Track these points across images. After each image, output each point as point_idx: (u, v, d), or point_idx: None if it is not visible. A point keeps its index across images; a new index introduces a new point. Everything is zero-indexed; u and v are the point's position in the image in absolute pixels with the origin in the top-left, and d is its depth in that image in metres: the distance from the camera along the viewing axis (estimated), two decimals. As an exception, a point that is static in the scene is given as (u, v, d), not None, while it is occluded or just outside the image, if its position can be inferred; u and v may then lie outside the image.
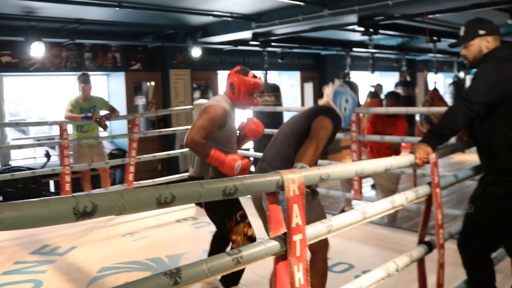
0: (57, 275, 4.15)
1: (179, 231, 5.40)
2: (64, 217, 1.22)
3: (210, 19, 6.95)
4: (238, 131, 3.66)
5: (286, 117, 8.39)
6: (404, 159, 2.49)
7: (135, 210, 1.37)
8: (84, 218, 1.27)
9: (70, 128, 6.15)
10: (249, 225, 3.27)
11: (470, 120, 2.65)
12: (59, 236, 5.14)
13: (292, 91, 12.03)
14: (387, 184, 5.69)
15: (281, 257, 1.77)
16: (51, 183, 7.86)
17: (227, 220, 3.25)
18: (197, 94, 9.49)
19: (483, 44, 2.81)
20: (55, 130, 7.94)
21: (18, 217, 1.14)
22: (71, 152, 6.07)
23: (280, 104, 8.02)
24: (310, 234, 1.84)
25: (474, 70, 2.87)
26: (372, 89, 7.74)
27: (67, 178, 5.70)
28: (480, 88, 2.63)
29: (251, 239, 3.25)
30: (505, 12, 6.29)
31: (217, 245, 3.62)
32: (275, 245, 1.73)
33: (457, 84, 11.12)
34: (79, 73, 6.46)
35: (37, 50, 6.58)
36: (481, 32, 2.80)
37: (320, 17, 6.02)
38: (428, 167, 2.65)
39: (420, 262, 2.70)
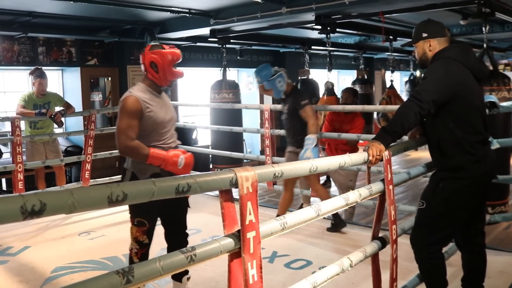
0: (9, 276, 4.03)
1: (136, 229, 5.34)
2: (11, 216, 1.19)
3: (168, 15, 6.87)
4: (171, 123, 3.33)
5: (245, 114, 8.40)
6: (357, 156, 2.53)
7: (86, 209, 1.35)
8: (33, 217, 1.23)
9: (23, 125, 5.98)
10: (145, 233, 3.15)
11: (421, 118, 2.72)
12: (11, 236, 5.01)
13: (251, 88, 12.05)
14: (344, 181, 5.77)
15: (235, 254, 1.78)
16: (3, 181, 7.64)
17: (131, 217, 3.18)
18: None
19: (426, 46, 2.93)
20: (7, 127, 7.70)
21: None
22: (24, 149, 5.91)
23: (238, 101, 8.02)
24: (264, 231, 1.85)
25: None
26: (330, 86, 7.82)
27: (20, 176, 5.55)
28: (430, 87, 2.71)
29: (140, 243, 3.16)
30: (457, 13, 6.47)
31: None
32: (229, 242, 1.73)
33: (413, 82, 11.36)
34: (32, 67, 6.28)
35: (-12, 43, 6.37)
36: (424, 35, 2.93)
37: (278, 15, 6.05)
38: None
39: (374, 258, 2.75)
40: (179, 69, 3.25)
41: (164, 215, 3.32)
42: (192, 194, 1.60)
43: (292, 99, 4.93)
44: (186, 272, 3.36)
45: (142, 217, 3.12)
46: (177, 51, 3.22)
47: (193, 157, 3.23)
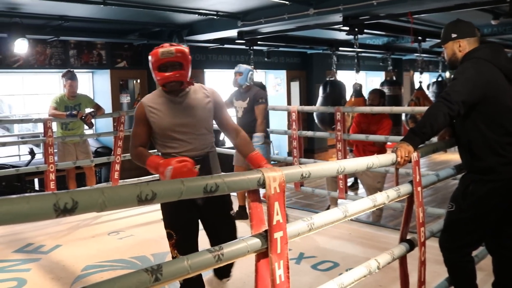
0: (41, 274, 4.12)
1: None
2: (44, 213, 1.22)
3: (196, 17, 6.94)
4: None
5: (272, 116, 8.42)
6: (385, 157, 2.51)
7: (116, 207, 1.38)
8: (65, 215, 1.26)
9: (54, 126, 6.11)
10: (174, 246, 2.90)
11: (450, 119, 2.68)
12: (43, 235, 5.11)
13: (279, 90, 12.05)
14: (372, 183, 5.74)
15: (262, 254, 1.78)
16: (36, 181, 7.81)
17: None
18: (183, 92, 9.48)
19: (455, 47, 2.88)
20: (40, 128, 7.88)
21: (-3, 213, 1.14)
22: (55, 150, 6.04)
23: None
24: (291, 231, 1.85)
25: None
26: (358, 88, 7.77)
27: (52, 176, 5.67)
28: (459, 88, 2.67)
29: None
30: (488, 13, 6.36)
31: None
32: (256, 242, 1.74)
33: (440, 83, 11.19)
34: (64, 70, 6.42)
35: (21, 46, 6.53)
36: (453, 35, 2.88)
37: (306, 16, 6.06)
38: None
39: (402, 260, 2.72)
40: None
41: (207, 230, 3.08)
42: (220, 193, 1.61)
43: (253, 93, 5.31)
44: (229, 275, 3.23)
45: (169, 228, 2.93)
46: (158, 50, 2.85)
47: (191, 166, 2.66)
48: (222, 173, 2.31)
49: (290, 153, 8.30)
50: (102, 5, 5.58)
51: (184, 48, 2.92)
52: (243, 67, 5.41)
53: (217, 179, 1.60)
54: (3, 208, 1.15)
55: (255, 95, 5.30)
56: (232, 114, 5.11)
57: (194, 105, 2.94)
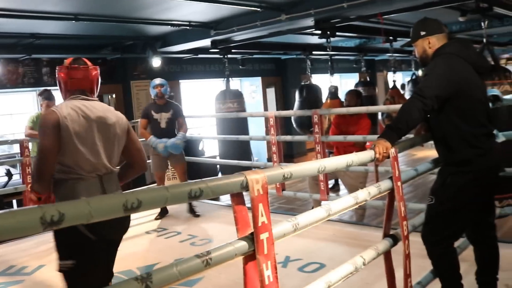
0: (26, 295, 4.07)
1: (149, 243, 5.37)
2: (31, 227, 1.22)
3: (168, 28, 6.95)
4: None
5: (250, 122, 8.45)
6: (364, 154, 2.55)
7: (103, 217, 1.38)
8: (52, 228, 1.26)
9: (31, 146, 6.04)
10: None
11: (425, 114, 2.75)
12: (25, 256, 5.03)
13: (255, 97, 12.10)
14: (354, 183, 5.79)
15: (250, 256, 1.80)
16: (14, 202, 7.68)
17: None
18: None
19: (425, 44, 2.97)
20: (16, 148, 7.77)
21: (-16, 229, 1.14)
22: (33, 170, 5.96)
23: (243, 110, 8.05)
24: (276, 232, 1.87)
25: None
26: (333, 90, 7.88)
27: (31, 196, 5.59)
28: (432, 83, 2.73)
29: None
30: (456, 10, 6.50)
31: None
32: (243, 245, 1.76)
33: (415, 81, 11.39)
34: (38, 89, 6.38)
35: (-7, 67, 6.45)
36: (422, 33, 2.96)
37: (278, 22, 6.11)
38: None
39: (387, 255, 2.76)
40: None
41: None
42: (204, 198, 1.63)
43: (175, 106, 6.09)
44: None
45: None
46: None
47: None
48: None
49: (269, 159, 8.32)
50: (74, 21, 5.56)
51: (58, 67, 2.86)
52: (162, 80, 6.02)
53: (201, 184, 1.62)
54: (-10, 223, 1.16)
55: (178, 108, 6.09)
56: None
57: None
